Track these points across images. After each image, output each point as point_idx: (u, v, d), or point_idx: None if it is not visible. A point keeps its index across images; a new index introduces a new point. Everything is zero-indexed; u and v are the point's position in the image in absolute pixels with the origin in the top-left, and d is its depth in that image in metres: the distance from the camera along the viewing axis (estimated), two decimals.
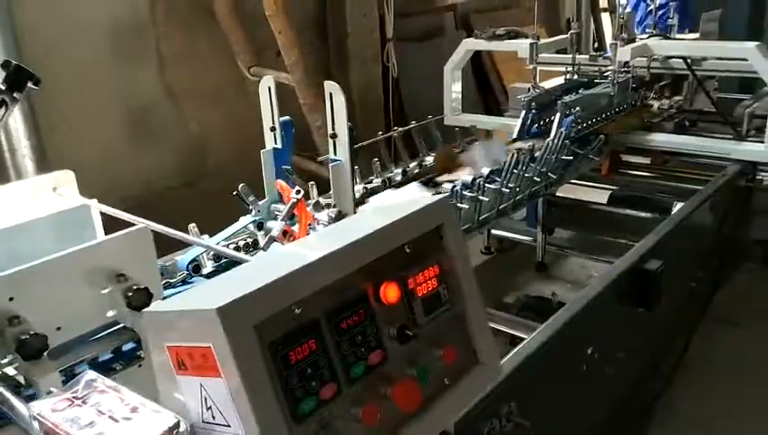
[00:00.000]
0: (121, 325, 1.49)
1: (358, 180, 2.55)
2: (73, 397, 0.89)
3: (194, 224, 2.04)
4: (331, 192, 2.09)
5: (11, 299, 1.28)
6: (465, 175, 2.61)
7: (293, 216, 2.00)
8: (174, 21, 3.99)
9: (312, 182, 2.36)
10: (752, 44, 3.13)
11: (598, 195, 3.75)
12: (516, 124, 3.30)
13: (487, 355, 1.11)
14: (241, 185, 2.16)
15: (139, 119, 3.99)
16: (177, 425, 0.83)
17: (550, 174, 2.69)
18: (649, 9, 4.06)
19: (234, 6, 3.91)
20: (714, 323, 3.19)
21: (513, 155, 2.53)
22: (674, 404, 2.81)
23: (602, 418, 2.35)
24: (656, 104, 3.73)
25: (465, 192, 2.28)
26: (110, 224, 1.75)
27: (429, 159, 2.84)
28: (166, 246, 1.84)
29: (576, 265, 3.36)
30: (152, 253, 1.54)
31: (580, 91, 3.41)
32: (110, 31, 3.78)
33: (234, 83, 4.29)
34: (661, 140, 3.46)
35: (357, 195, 2.20)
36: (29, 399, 1.17)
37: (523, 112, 3.24)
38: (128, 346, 1.58)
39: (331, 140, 2.00)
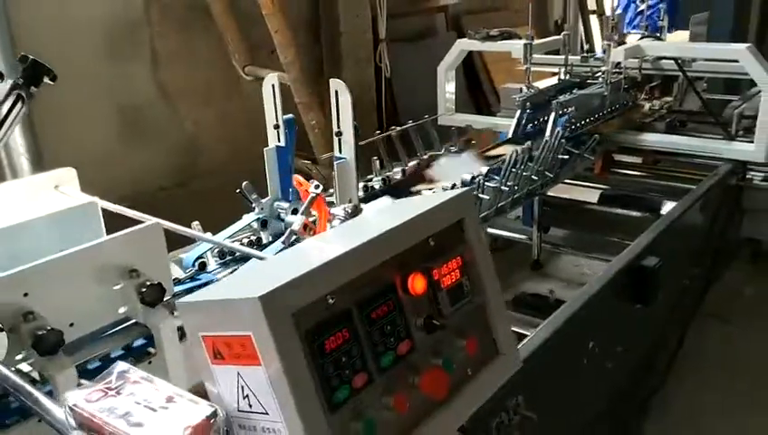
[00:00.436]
0: (133, 321, 1.49)
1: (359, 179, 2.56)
2: (107, 388, 0.90)
3: (197, 222, 2.04)
4: (330, 190, 2.11)
5: (25, 295, 1.28)
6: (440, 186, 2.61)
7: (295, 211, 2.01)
8: (168, 20, 3.99)
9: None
10: (743, 46, 3.19)
11: (591, 194, 3.80)
12: (509, 124, 3.34)
13: (507, 346, 1.14)
14: (244, 183, 2.16)
15: (133, 118, 3.98)
16: (214, 413, 0.84)
17: (547, 173, 2.73)
18: (639, 10, 4.12)
19: (229, 5, 3.91)
20: (705, 319, 3.24)
21: (511, 154, 2.56)
22: (668, 399, 2.85)
23: (602, 411, 2.39)
24: (647, 105, 3.78)
25: None
26: (111, 222, 1.75)
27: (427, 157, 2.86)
28: (168, 243, 1.85)
29: (570, 264, 3.41)
30: (164, 249, 1.54)
31: (573, 91, 3.45)
32: (105, 30, 3.76)
33: (228, 83, 4.29)
34: (653, 139, 3.51)
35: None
36: (46, 395, 1.17)
37: (518, 112, 3.27)
38: (138, 342, 1.58)
39: (336, 138, 2.02)
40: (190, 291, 1.78)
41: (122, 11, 3.81)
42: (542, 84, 3.63)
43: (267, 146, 2.22)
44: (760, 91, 3.19)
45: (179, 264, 2.00)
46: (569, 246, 3.50)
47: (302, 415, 0.81)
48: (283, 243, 1.69)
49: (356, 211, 1.62)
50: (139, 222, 1.52)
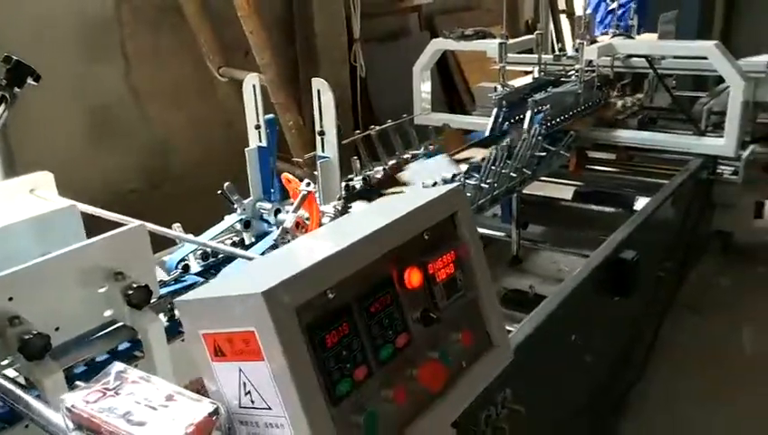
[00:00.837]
0: (120, 324, 1.48)
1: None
2: (105, 389, 0.89)
3: (178, 224, 2.03)
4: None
5: (10, 299, 1.26)
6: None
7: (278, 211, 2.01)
8: (140, 20, 3.94)
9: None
10: (711, 43, 3.26)
11: (567, 191, 3.86)
12: (485, 122, 3.37)
13: (500, 338, 1.15)
14: (226, 184, 2.15)
15: (105, 120, 3.92)
16: (216, 411, 0.84)
17: (525, 170, 2.76)
18: (610, 9, 4.19)
19: (202, 6, 3.88)
20: (678, 310, 3.32)
21: (490, 152, 2.58)
22: (644, 387, 2.92)
23: (585, 402, 2.43)
24: (619, 102, 3.85)
25: None
26: (88, 226, 1.73)
27: (407, 156, 2.87)
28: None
29: (548, 260, 3.45)
30: (149, 251, 1.53)
31: (548, 89, 3.49)
32: (75, 30, 3.70)
33: (202, 84, 4.26)
34: (625, 136, 3.57)
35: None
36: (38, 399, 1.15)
37: (495, 110, 3.30)
38: (123, 346, 1.57)
39: (318, 138, 2.02)
40: (176, 293, 1.77)
41: (93, 11, 3.75)
42: (517, 83, 3.67)
43: (243, 147, 2.21)
44: (728, 87, 3.27)
45: (162, 266, 1.99)
46: (547, 242, 3.54)
47: (305, 409, 0.81)
48: (275, 240, 1.68)
49: (345, 209, 1.62)
50: (119, 225, 1.50)
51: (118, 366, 0.93)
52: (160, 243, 1.95)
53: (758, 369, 3.17)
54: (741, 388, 3.00)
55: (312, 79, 1.97)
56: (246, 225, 2.13)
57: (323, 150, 2.01)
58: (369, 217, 1.07)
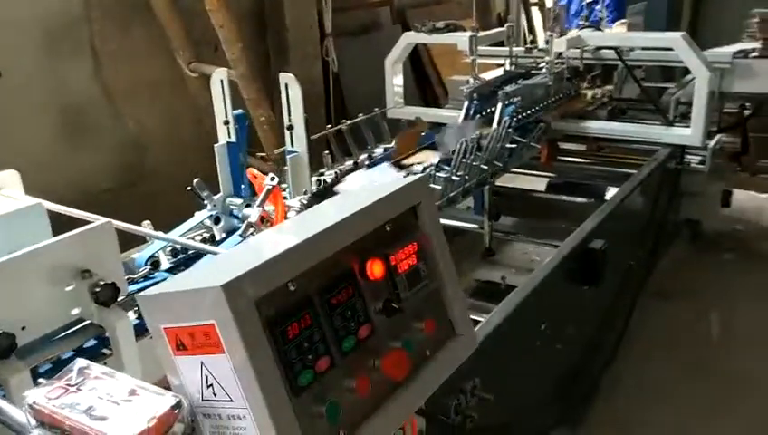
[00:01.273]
0: (88, 322, 1.47)
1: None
2: (67, 385, 0.89)
3: (148, 221, 2.01)
4: (284, 185, 2.10)
5: None
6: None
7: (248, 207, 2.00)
8: (109, 17, 3.89)
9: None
10: (677, 35, 3.32)
11: (539, 182, 3.91)
12: (457, 115, 3.39)
13: (463, 327, 1.17)
14: (195, 180, 2.14)
15: (75, 118, 3.87)
16: (179, 404, 0.85)
17: (495, 162, 2.79)
18: (588, 1, 4.23)
19: (171, 1, 3.84)
20: (647, 297, 3.38)
21: (460, 144, 2.60)
22: (615, 373, 2.98)
23: (556, 389, 2.47)
24: (589, 93, 3.89)
25: None
26: (56, 225, 1.71)
27: (378, 151, 2.88)
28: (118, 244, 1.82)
29: (520, 251, 3.50)
30: (116, 248, 1.52)
31: (518, 81, 3.53)
32: (43, 28, 3.64)
33: (172, 80, 4.21)
34: (596, 127, 3.62)
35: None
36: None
37: (466, 103, 3.33)
38: (91, 344, 1.56)
39: (287, 132, 2.02)
40: (145, 290, 1.76)
41: (60, 8, 3.70)
42: (489, 76, 3.69)
43: (215, 143, 2.21)
44: (694, 78, 3.32)
45: (131, 264, 1.98)
46: (519, 233, 3.58)
47: (266, 400, 0.82)
48: (241, 235, 1.68)
49: (311, 202, 1.63)
50: (87, 223, 1.49)
51: (80, 362, 0.93)
52: (132, 241, 1.94)
53: (725, 352, 3.25)
54: (710, 371, 3.08)
55: (280, 74, 1.97)
56: (216, 220, 2.13)
57: (292, 145, 2.01)
58: (332, 210, 1.08)
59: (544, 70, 3.65)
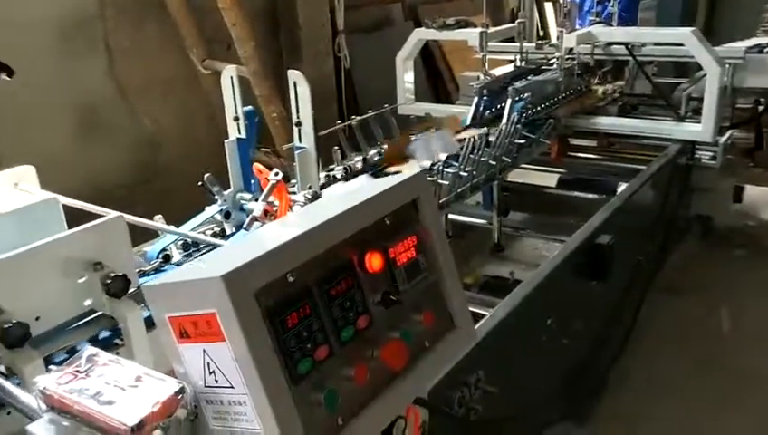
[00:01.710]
0: (99, 313, 1.51)
1: (320, 168, 2.60)
2: (77, 371, 0.93)
3: (160, 215, 2.06)
4: (293, 180, 2.13)
5: None
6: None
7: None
8: (123, 15, 3.94)
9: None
10: (688, 30, 3.31)
11: (549, 178, 3.91)
12: (468, 111, 3.40)
13: (462, 319, 1.19)
14: (206, 175, 2.17)
15: (90, 116, 3.93)
16: (182, 390, 0.88)
17: (504, 158, 2.80)
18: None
19: None
20: (657, 292, 3.38)
21: (468, 140, 2.62)
22: (623, 368, 2.98)
23: (562, 384, 2.48)
24: (600, 89, 3.89)
25: None
26: (71, 220, 1.76)
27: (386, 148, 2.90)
28: (131, 238, 1.86)
29: (530, 246, 3.50)
30: (127, 241, 1.56)
31: (529, 77, 3.53)
32: (58, 26, 3.71)
33: (186, 78, 4.27)
34: (606, 123, 3.62)
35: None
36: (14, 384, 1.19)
37: (476, 99, 3.34)
38: (104, 334, 1.60)
39: (296, 128, 2.05)
40: None
41: (75, 6, 3.76)
42: (500, 71, 3.70)
43: (228, 139, 2.24)
44: (706, 74, 3.31)
45: (144, 257, 2.02)
46: (528, 229, 3.59)
47: (265, 387, 0.85)
48: (246, 229, 1.72)
49: (316, 197, 1.66)
50: (100, 217, 1.53)
51: (89, 350, 0.97)
52: (145, 235, 1.99)
53: (735, 347, 3.24)
54: (719, 367, 3.08)
55: (288, 71, 1.99)
56: (226, 215, 2.16)
57: (300, 141, 2.04)
58: (333, 204, 1.10)
59: (555, 66, 3.65)
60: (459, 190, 2.58)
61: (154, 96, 4.18)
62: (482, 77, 3.48)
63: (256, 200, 2.15)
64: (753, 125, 3.99)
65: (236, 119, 2.22)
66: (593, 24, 3.93)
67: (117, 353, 1.56)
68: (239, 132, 2.24)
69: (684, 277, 3.71)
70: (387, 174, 2.73)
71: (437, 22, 3.91)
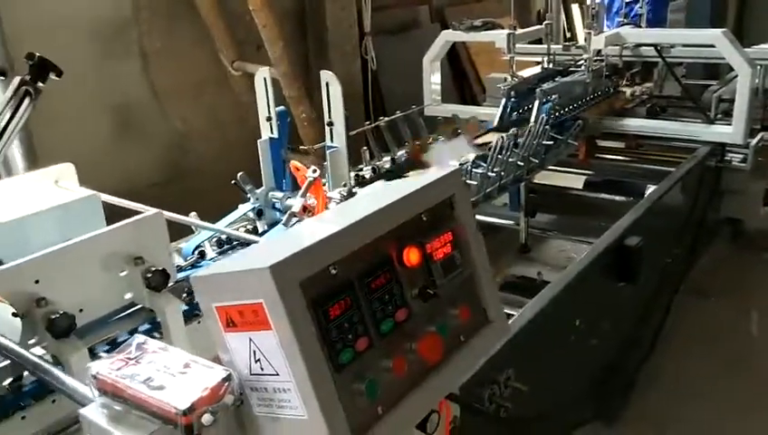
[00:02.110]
0: (139, 307, 1.56)
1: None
2: (127, 358, 0.97)
3: (194, 213, 2.11)
4: (323, 180, 2.17)
5: (37, 282, 1.34)
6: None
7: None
8: (157, 18, 4.02)
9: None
10: (718, 31, 3.28)
11: (576, 180, 3.90)
12: (495, 113, 3.41)
13: (496, 314, 1.21)
14: (239, 174, 2.22)
15: (124, 116, 4.02)
16: (229, 377, 0.91)
17: (532, 159, 2.81)
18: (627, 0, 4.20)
19: (216, 1, 3.96)
20: (687, 295, 3.36)
21: (497, 141, 2.63)
22: (652, 370, 2.97)
23: (591, 384, 2.48)
24: (628, 91, 3.87)
25: None
26: (108, 216, 1.80)
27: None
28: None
29: (557, 248, 3.50)
30: (166, 236, 1.61)
31: (556, 79, 3.53)
32: (94, 29, 3.80)
33: (216, 79, 4.34)
34: (635, 124, 3.60)
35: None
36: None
37: (504, 100, 3.35)
38: (143, 327, 1.65)
39: (327, 128, 2.09)
40: None
41: (111, 10, 3.84)
42: (527, 73, 3.71)
43: (257, 140, 2.29)
44: (737, 76, 3.29)
45: (179, 253, 2.07)
46: (555, 230, 3.59)
47: (310, 374, 0.88)
48: (285, 224, 1.76)
49: (350, 194, 1.69)
50: (137, 214, 1.58)
51: (138, 338, 1.01)
52: (179, 232, 2.04)
53: (764, 349, 3.21)
54: (748, 369, 3.05)
55: (321, 71, 2.03)
56: (259, 213, 2.21)
57: (332, 140, 2.08)
58: (370, 200, 1.13)
59: (583, 67, 3.65)
60: (487, 191, 2.60)
61: (185, 97, 4.26)
62: (509, 78, 3.49)
63: (288, 198, 2.20)
64: None
65: (269, 119, 2.27)
66: (621, 25, 3.92)
67: None
68: (271, 132, 2.28)
69: (713, 280, 3.68)
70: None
71: (465, 24, 3.93)
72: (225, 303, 0.93)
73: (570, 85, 3.50)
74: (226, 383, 0.91)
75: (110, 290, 1.48)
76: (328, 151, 2.06)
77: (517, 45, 3.56)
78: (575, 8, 7.36)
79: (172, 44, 4.13)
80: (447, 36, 4.03)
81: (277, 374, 0.91)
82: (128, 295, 1.52)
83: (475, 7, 6.27)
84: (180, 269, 1.89)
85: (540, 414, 1.95)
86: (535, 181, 3.27)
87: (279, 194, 2.24)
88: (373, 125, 2.91)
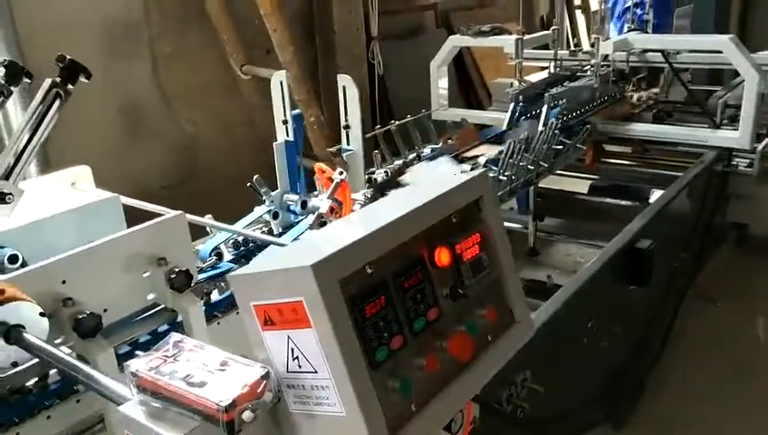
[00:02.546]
0: (161, 307, 1.57)
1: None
2: (165, 356, 0.98)
3: (210, 215, 2.12)
4: None
5: (63, 282, 1.35)
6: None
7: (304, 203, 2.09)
8: (167, 21, 4.04)
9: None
10: (726, 37, 3.31)
11: (582, 184, 3.93)
12: (502, 117, 3.43)
13: (522, 314, 1.23)
14: (255, 176, 2.24)
15: (134, 118, 4.04)
16: (267, 374, 0.93)
17: (542, 163, 2.83)
18: (627, 5, 4.23)
19: (225, 6, 3.98)
20: (693, 299, 3.38)
21: (509, 145, 2.65)
22: (660, 374, 2.99)
23: (602, 384, 2.50)
24: (634, 96, 3.90)
25: None
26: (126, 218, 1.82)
27: (426, 151, 2.94)
28: None
29: (564, 251, 3.52)
30: (188, 238, 1.62)
31: (564, 84, 3.55)
32: (106, 31, 3.81)
33: (226, 83, 4.36)
34: (641, 129, 3.63)
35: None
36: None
37: (512, 105, 3.37)
38: (163, 328, 1.66)
39: (344, 131, 2.11)
40: (212, 278, 1.87)
41: (122, 13, 3.86)
42: (533, 78, 3.73)
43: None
44: (743, 81, 3.31)
45: (195, 255, 2.09)
46: (562, 234, 3.61)
47: (349, 371, 0.89)
48: (311, 225, 1.77)
49: (375, 197, 1.71)
50: (155, 216, 1.59)
51: (175, 336, 1.02)
52: (194, 234, 2.05)
53: None
54: (755, 373, 3.07)
55: (338, 75, 2.05)
56: (275, 216, 2.22)
57: (348, 143, 2.09)
58: (400, 202, 1.15)
59: (590, 72, 3.67)
60: (499, 194, 2.62)
61: (194, 100, 4.28)
62: (516, 83, 3.51)
63: (304, 202, 2.22)
64: None
65: (285, 122, 2.28)
66: (629, 30, 3.95)
67: None
68: (287, 135, 2.30)
69: (720, 284, 3.70)
70: (464, 159, 2.80)
71: (472, 29, 3.95)
72: (263, 301, 0.95)
73: (577, 90, 3.52)
74: (265, 381, 0.92)
75: (133, 290, 1.49)
76: (344, 154, 2.08)
77: (524, 51, 3.58)
78: (578, 13, 7.40)
79: (182, 48, 4.15)
80: (455, 41, 4.05)
81: (315, 372, 0.92)
82: (150, 296, 1.53)
83: (480, 13, 6.30)
84: (200, 271, 1.91)
85: (554, 415, 1.96)
86: (541, 186, 3.29)
87: (294, 197, 2.25)
88: (384, 129, 2.94)
